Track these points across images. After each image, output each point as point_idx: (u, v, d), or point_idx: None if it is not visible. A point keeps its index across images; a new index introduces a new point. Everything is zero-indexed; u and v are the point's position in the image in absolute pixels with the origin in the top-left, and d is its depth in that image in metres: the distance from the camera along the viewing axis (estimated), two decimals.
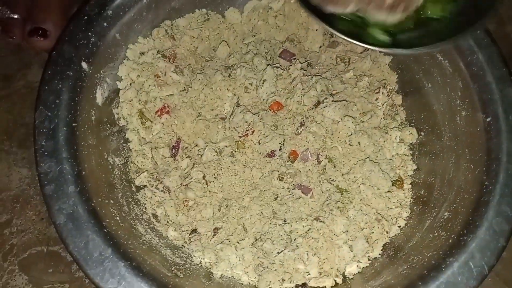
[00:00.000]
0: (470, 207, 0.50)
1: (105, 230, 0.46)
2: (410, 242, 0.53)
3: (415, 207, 0.57)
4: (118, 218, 0.50)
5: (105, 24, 0.55)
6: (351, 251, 0.53)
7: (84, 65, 0.53)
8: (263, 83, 0.60)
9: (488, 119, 0.53)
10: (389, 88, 0.63)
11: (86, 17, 0.55)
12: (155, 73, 0.59)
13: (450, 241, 0.48)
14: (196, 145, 0.59)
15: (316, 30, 0.67)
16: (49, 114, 0.50)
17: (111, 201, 0.51)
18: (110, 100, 0.57)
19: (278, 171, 0.57)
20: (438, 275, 0.46)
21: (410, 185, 0.59)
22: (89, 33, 0.54)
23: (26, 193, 0.62)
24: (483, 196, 0.50)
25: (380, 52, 0.62)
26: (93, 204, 0.47)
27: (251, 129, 0.58)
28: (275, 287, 0.51)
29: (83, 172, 0.49)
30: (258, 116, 0.59)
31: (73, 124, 0.51)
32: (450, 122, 0.58)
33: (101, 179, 0.52)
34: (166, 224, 0.55)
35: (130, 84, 0.59)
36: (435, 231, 0.51)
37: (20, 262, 0.59)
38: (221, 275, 0.52)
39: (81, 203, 0.46)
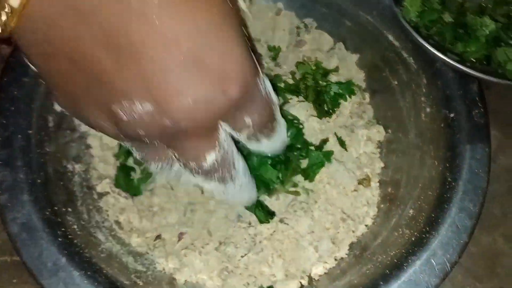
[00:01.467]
0: (433, 204, 0.50)
1: (60, 239, 0.45)
2: (376, 241, 0.53)
3: (382, 205, 0.57)
4: (75, 226, 0.49)
5: None
6: (317, 252, 0.52)
7: None
8: None
9: (452, 115, 0.53)
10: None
11: None
12: None
13: (413, 239, 0.48)
14: None
15: (284, 30, 0.67)
16: (4, 121, 0.50)
17: (69, 209, 0.50)
18: None
19: None
20: (399, 274, 0.45)
21: (378, 183, 0.59)
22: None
23: None
24: (446, 192, 0.49)
25: None
26: (48, 213, 0.46)
27: None
28: None
29: (39, 180, 0.48)
30: None
31: (29, 132, 0.50)
32: (416, 119, 0.58)
33: (58, 186, 0.51)
34: (129, 231, 0.54)
35: None
36: (400, 229, 0.51)
37: None
38: (185, 281, 0.52)
39: (35, 212, 0.46)
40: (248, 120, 0.36)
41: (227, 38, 0.30)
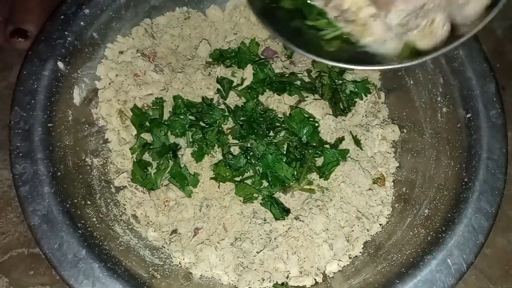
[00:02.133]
0: (450, 204, 0.50)
1: (80, 231, 0.45)
2: (391, 240, 0.53)
3: (396, 205, 0.57)
4: (94, 219, 0.49)
5: (82, 23, 0.55)
6: (331, 249, 0.52)
7: (60, 64, 0.53)
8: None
9: (468, 115, 0.53)
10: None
11: (62, 16, 0.54)
12: (134, 72, 0.59)
13: (429, 238, 0.48)
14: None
15: None
16: (24, 114, 0.50)
17: (88, 202, 0.50)
18: (88, 100, 0.57)
19: None
20: (415, 272, 0.45)
21: (392, 183, 0.59)
22: (66, 32, 0.54)
23: (7, 195, 0.62)
24: (463, 192, 0.49)
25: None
26: (68, 205, 0.47)
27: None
28: (255, 286, 0.51)
29: (59, 173, 0.48)
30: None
31: (49, 125, 0.50)
32: (432, 119, 0.58)
33: (77, 180, 0.51)
34: (146, 225, 0.55)
35: (109, 83, 0.59)
36: (415, 229, 0.51)
37: (1, 264, 0.58)
38: (201, 275, 0.52)
39: (56, 204, 0.46)
40: None
41: None
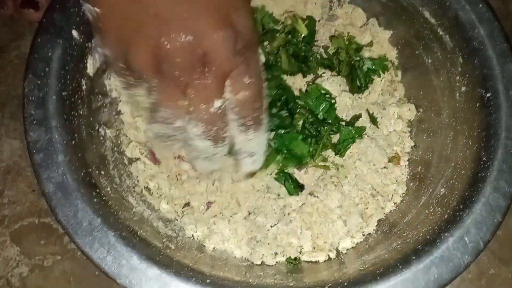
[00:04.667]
0: (467, 183, 0.49)
1: (95, 200, 0.45)
2: (405, 218, 0.53)
3: (411, 184, 0.56)
4: (109, 189, 0.49)
5: None
6: (345, 226, 0.52)
7: (74, 33, 0.52)
8: None
9: (488, 95, 0.52)
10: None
11: None
12: None
13: (446, 216, 0.48)
14: None
15: (315, 3, 0.65)
16: (39, 82, 0.49)
17: (102, 172, 0.50)
18: (102, 71, 0.56)
19: None
20: (432, 249, 0.45)
21: (407, 162, 0.58)
22: (81, 1, 0.53)
23: (17, 164, 0.61)
24: (481, 172, 0.49)
25: None
26: (82, 174, 0.46)
27: None
28: (268, 261, 0.51)
29: (73, 142, 0.48)
30: None
31: (63, 93, 0.49)
32: (450, 98, 0.57)
33: (91, 150, 0.51)
34: (158, 197, 0.55)
35: None
36: (431, 207, 0.51)
37: (12, 233, 0.58)
38: (214, 248, 0.52)
39: (70, 173, 0.45)
40: (244, 85, 0.41)
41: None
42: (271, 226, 0.52)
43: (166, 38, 0.36)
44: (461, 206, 0.47)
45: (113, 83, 0.57)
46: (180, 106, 0.41)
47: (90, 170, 0.48)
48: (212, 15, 0.37)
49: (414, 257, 0.45)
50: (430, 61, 0.59)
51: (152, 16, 0.36)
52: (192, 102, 0.40)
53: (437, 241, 0.45)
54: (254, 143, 0.46)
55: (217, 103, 0.41)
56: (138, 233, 0.45)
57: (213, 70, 0.38)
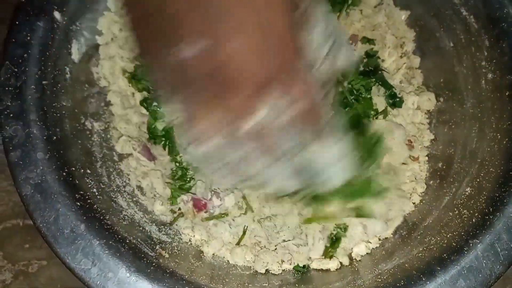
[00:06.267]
0: (497, 182, 0.44)
1: (79, 203, 0.40)
2: (426, 221, 0.48)
3: (431, 182, 0.52)
4: (95, 190, 0.44)
5: None
6: (365, 232, 0.47)
7: (56, 14, 0.46)
8: None
9: None
10: (405, 49, 0.57)
11: None
12: None
13: (473, 220, 0.43)
14: None
15: None
16: (16, 70, 0.44)
17: (88, 171, 0.45)
18: (88, 57, 0.51)
19: None
20: (459, 258, 0.40)
21: (426, 157, 0.53)
22: None
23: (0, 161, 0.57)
24: None
25: None
26: (65, 174, 0.41)
27: None
28: (273, 269, 0.46)
29: (54, 137, 0.43)
30: None
31: (43, 82, 0.44)
32: (474, 86, 0.52)
33: (76, 146, 0.46)
34: (152, 198, 0.50)
35: (112, 39, 0.52)
36: (455, 209, 0.46)
37: None
38: (213, 254, 0.47)
39: (51, 172, 0.41)
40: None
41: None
42: (284, 241, 0.47)
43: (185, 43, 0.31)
44: (490, 209, 0.43)
45: (101, 70, 0.52)
46: (214, 120, 0.34)
47: (73, 169, 0.43)
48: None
49: (439, 268, 0.40)
50: (451, 44, 0.54)
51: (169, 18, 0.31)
52: (226, 114, 0.33)
53: (465, 248, 0.41)
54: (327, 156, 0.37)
55: (251, 120, 0.33)
56: (128, 240, 0.40)
57: (240, 84, 0.32)
